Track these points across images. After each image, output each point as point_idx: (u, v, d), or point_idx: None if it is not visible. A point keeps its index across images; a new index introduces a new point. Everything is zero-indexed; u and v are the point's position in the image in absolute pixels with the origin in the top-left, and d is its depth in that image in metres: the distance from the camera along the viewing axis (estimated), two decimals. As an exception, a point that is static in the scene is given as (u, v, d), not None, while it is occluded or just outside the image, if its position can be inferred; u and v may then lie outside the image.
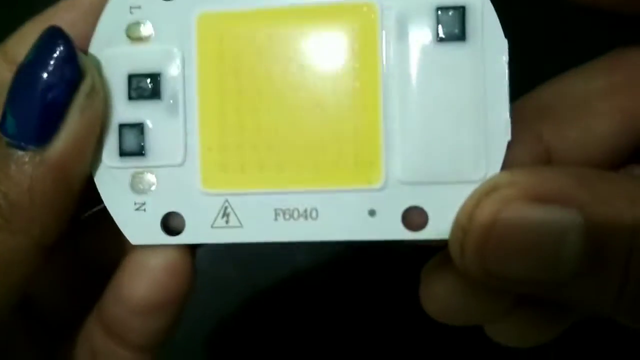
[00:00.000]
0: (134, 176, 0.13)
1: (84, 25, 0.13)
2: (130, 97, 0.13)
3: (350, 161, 0.13)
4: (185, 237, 0.13)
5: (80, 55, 0.12)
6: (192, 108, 0.13)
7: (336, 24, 0.13)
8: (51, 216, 0.12)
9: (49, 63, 0.12)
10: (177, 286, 0.13)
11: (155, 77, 0.13)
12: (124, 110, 0.13)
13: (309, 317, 0.24)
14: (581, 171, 0.12)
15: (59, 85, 0.12)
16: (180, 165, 0.13)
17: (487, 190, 0.12)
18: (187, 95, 0.13)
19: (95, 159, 0.13)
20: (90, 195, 0.13)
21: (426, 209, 0.12)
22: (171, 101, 0.13)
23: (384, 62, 0.13)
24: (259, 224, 0.13)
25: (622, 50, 0.14)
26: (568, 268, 0.11)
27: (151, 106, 0.13)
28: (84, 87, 0.12)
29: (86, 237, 0.16)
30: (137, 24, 0.13)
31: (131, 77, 0.13)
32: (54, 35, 0.12)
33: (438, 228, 0.12)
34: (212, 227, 0.13)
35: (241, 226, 0.13)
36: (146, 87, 0.13)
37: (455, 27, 0.12)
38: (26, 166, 0.12)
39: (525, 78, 0.13)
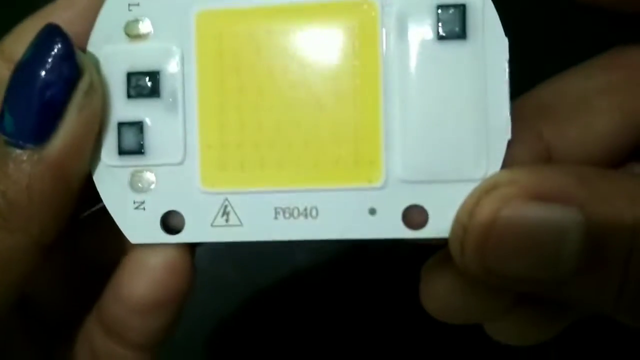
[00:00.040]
0: (133, 175, 0.13)
1: (82, 23, 0.13)
2: (129, 95, 0.13)
3: (350, 160, 0.13)
4: (185, 236, 0.13)
5: (79, 53, 0.12)
6: (191, 106, 0.13)
7: (336, 22, 0.13)
8: (50, 215, 0.12)
9: (47, 61, 0.12)
10: (177, 285, 0.13)
11: (154, 75, 0.13)
12: (122, 109, 0.13)
13: (308, 316, 0.24)
14: (581, 169, 0.12)
15: (57, 83, 0.12)
16: (180, 163, 0.13)
17: (487, 189, 0.12)
18: (186, 94, 0.13)
19: (94, 158, 0.13)
20: (89, 194, 0.13)
21: (426, 207, 0.12)
22: (170, 99, 0.13)
23: (384, 60, 0.12)
24: (259, 222, 0.13)
25: (622, 48, 0.14)
26: (568, 266, 0.11)
27: (150, 104, 0.13)
28: (82, 85, 0.12)
29: (85, 236, 0.16)
30: (136, 21, 0.13)
31: (130, 75, 0.13)
32: (51, 33, 0.12)
33: (438, 226, 0.12)
34: (211, 225, 0.13)
35: (241, 225, 0.13)
36: (145, 85, 0.13)
37: (455, 25, 0.12)
38: (24, 164, 0.12)
39: (525, 76, 0.13)
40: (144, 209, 0.13)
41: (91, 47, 0.13)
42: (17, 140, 0.12)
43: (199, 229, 0.13)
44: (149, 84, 0.13)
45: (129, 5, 0.13)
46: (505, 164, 0.12)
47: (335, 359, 0.24)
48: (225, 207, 0.13)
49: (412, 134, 0.12)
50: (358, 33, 0.13)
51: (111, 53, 0.13)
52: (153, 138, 0.13)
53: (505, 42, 0.12)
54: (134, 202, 0.13)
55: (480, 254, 0.11)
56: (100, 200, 0.13)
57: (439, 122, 0.12)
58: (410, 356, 0.23)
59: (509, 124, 0.12)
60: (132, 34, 0.13)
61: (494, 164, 0.12)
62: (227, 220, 0.13)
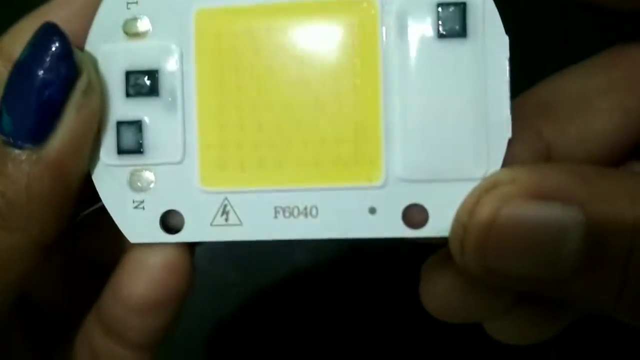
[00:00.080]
0: (132, 174, 0.13)
1: (80, 22, 0.13)
2: (127, 94, 0.13)
3: (350, 158, 0.13)
4: (185, 236, 0.13)
5: (77, 51, 0.12)
6: (190, 105, 0.13)
7: (336, 20, 0.13)
8: (49, 214, 0.12)
9: (44, 60, 0.12)
10: (176, 284, 0.13)
11: (153, 74, 0.13)
12: (121, 108, 0.13)
13: (308, 316, 0.24)
14: (581, 168, 0.12)
15: (55, 83, 0.12)
16: (179, 162, 0.13)
17: (488, 188, 0.12)
18: (185, 92, 0.13)
19: (93, 157, 0.13)
20: (88, 193, 0.13)
21: (426, 206, 0.12)
22: (169, 98, 0.13)
23: (384, 59, 0.12)
24: (258, 221, 0.13)
25: (622, 46, 0.14)
26: (568, 265, 0.11)
27: (149, 103, 0.13)
28: (81, 84, 0.12)
29: (84, 236, 0.16)
30: (134, 19, 0.13)
31: (128, 74, 0.13)
32: (49, 31, 0.12)
33: (438, 225, 0.12)
34: (211, 225, 0.13)
35: (241, 224, 0.13)
36: (144, 84, 0.13)
37: (456, 24, 0.12)
38: (23, 164, 0.12)
39: (525, 75, 0.13)
40: (143, 208, 0.13)
41: (89, 46, 0.13)
42: (15, 140, 0.12)
43: (198, 229, 0.13)
44: (148, 82, 0.13)
45: (127, 3, 0.13)
46: (506, 163, 0.12)
47: (335, 358, 0.24)
48: (225, 206, 0.13)
49: (412, 132, 0.12)
50: (358, 31, 0.13)
51: (109, 52, 0.13)
52: (152, 137, 0.13)
53: (505, 40, 0.12)
54: (133, 202, 0.13)
55: (481, 253, 0.11)
56: (99, 199, 0.13)
57: (439, 120, 0.12)
58: (410, 356, 0.23)
59: (509, 123, 0.12)
60: (130, 32, 0.13)
61: (494, 162, 0.12)
62: (226, 220, 0.13)
